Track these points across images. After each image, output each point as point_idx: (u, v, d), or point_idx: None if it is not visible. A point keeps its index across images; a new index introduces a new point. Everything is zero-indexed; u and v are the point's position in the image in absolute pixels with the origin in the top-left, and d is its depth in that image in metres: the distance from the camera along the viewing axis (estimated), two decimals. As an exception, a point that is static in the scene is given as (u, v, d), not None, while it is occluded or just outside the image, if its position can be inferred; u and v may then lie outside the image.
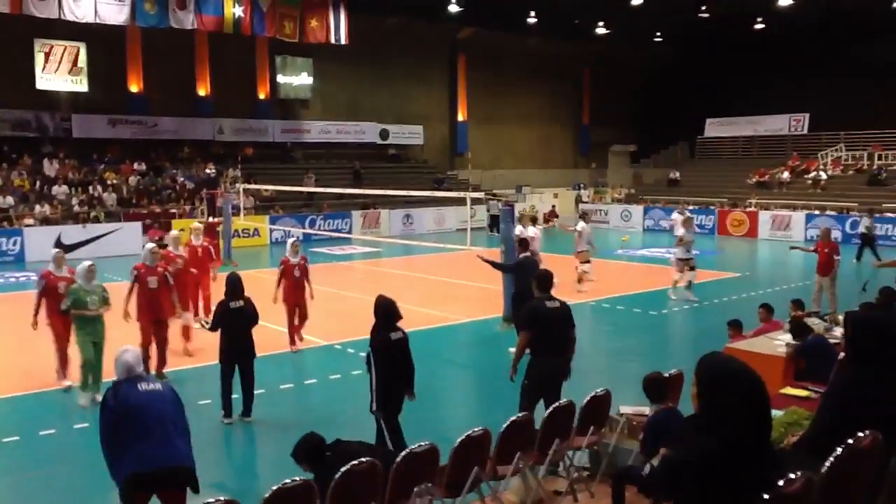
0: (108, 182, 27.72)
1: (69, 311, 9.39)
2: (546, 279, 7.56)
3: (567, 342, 7.42)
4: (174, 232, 10.56)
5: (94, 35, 27.83)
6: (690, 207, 32.61)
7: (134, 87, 30.38)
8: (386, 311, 6.87)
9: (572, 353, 7.47)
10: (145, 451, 4.75)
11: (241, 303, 8.75)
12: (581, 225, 17.82)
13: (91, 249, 24.13)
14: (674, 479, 3.16)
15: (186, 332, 11.61)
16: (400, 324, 6.98)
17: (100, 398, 6.41)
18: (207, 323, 9.29)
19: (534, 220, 18.86)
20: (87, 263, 9.74)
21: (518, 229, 15.64)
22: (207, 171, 29.82)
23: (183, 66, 31.33)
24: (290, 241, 12.52)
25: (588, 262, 17.61)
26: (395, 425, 6.90)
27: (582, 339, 13.69)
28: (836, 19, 33.72)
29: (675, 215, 17.16)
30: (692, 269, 16.19)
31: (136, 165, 29.26)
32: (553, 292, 7.53)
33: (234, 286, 8.78)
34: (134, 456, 4.74)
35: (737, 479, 3.00)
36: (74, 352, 9.64)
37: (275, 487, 4.41)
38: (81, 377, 9.37)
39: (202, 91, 32.12)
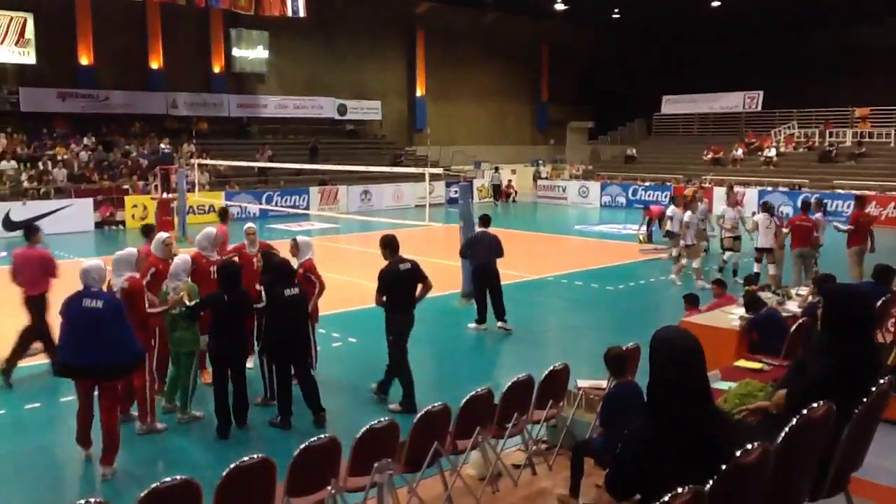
0: (59, 157, 27.03)
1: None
2: (394, 243, 8.67)
3: (414, 299, 8.67)
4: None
5: (42, 6, 27.04)
6: (646, 184, 32.98)
7: (84, 60, 29.56)
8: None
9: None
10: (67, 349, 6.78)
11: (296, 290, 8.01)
12: (687, 215, 15.30)
13: (41, 226, 23.59)
14: (627, 473, 3.20)
15: None
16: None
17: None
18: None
19: (767, 209, 15.30)
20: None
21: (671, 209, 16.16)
22: (161, 146, 29.24)
23: (135, 39, 30.56)
24: (246, 228, 10.21)
25: (699, 256, 15.49)
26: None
27: (540, 315, 13.92)
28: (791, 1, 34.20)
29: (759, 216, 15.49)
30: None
31: (86, 140, 28.56)
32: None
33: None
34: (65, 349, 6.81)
35: (684, 455, 3.03)
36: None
37: (232, 465, 4.37)
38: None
39: (155, 64, 31.39)
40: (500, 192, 34.97)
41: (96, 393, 6.87)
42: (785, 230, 14.64)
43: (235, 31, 33.30)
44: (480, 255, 11.97)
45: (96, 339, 6.56)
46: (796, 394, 4.06)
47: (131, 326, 6.91)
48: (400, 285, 8.52)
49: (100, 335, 6.57)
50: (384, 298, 8.48)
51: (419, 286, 8.66)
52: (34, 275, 9.39)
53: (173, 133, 30.95)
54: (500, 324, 11.88)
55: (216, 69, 33.40)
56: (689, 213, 15.39)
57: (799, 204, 15.94)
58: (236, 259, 9.45)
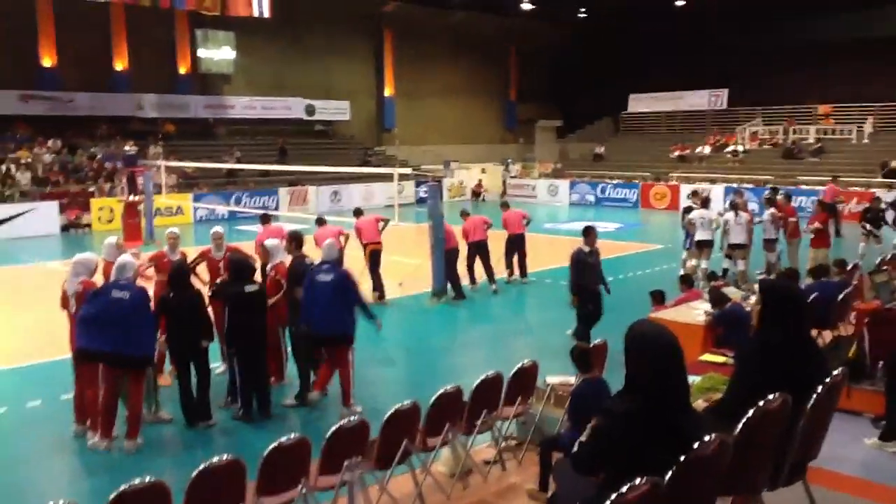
0: (22, 161, 26.61)
1: None
2: (300, 238, 9.10)
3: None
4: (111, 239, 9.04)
5: (1, 6, 26.55)
6: (614, 182, 33.27)
7: (46, 62, 29.13)
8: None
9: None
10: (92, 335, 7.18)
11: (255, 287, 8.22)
12: (729, 216, 14.73)
13: (4, 230, 23.28)
14: (598, 445, 3.27)
15: None
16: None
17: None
18: None
19: (705, 202, 15.59)
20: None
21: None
22: (127, 148, 28.91)
23: (99, 40, 30.13)
24: (212, 232, 10.11)
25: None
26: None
27: (509, 313, 14.00)
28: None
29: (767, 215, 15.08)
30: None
31: (50, 143, 28.14)
32: None
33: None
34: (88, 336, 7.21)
35: (654, 440, 3.12)
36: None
37: (202, 466, 4.39)
38: None
39: (120, 66, 31.01)
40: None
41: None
42: (811, 226, 15.05)
43: (201, 32, 33.00)
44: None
45: (122, 327, 7.11)
46: (731, 381, 4.24)
47: (153, 321, 7.56)
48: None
49: (125, 323, 7.14)
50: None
51: None
52: None
53: (140, 135, 30.61)
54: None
55: (182, 70, 33.09)
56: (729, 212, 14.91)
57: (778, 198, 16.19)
58: (197, 261, 9.72)
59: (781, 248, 15.34)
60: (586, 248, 10.37)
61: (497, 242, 15.32)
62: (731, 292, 9.32)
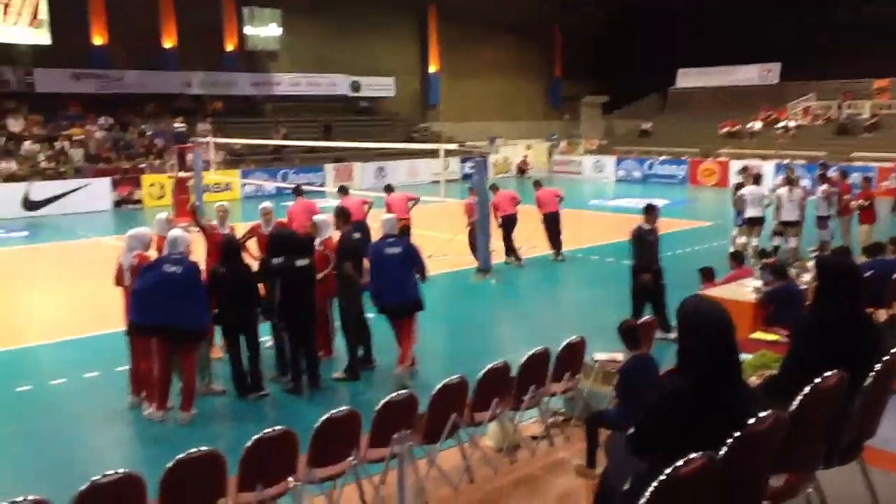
0: (75, 138, 27.17)
1: None
2: (348, 214, 9.24)
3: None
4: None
5: (55, -15, 27.01)
6: (662, 158, 32.81)
7: (97, 40, 29.58)
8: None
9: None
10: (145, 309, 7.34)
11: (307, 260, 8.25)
12: (782, 192, 14.51)
13: (58, 206, 23.84)
14: (651, 423, 3.26)
15: None
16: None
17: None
18: None
19: (756, 179, 15.69)
20: None
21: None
22: (176, 125, 29.31)
23: (148, 18, 30.45)
24: (261, 207, 10.19)
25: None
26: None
27: (557, 289, 13.96)
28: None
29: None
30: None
31: (102, 120, 28.67)
32: None
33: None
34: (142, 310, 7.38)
35: (706, 416, 3.10)
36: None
37: (254, 437, 4.48)
38: None
39: (168, 44, 31.36)
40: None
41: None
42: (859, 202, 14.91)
43: (248, 10, 33.21)
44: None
45: (175, 301, 7.23)
46: (785, 358, 4.20)
47: (204, 295, 7.61)
48: (358, 255, 8.76)
49: (178, 297, 7.26)
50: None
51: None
52: None
53: (187, 112, 31.01)
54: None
55: (229, 48, 33.35)
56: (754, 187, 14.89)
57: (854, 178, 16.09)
58: (247, 237, 9.93)
59: (834, 225, 15.03)
60: (647, 226, 10.21)
61: (528, 221, 15.28)
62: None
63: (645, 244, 10.09)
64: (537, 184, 16.41)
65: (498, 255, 14.59)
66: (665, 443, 3.12)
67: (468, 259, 14.30)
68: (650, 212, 10.31)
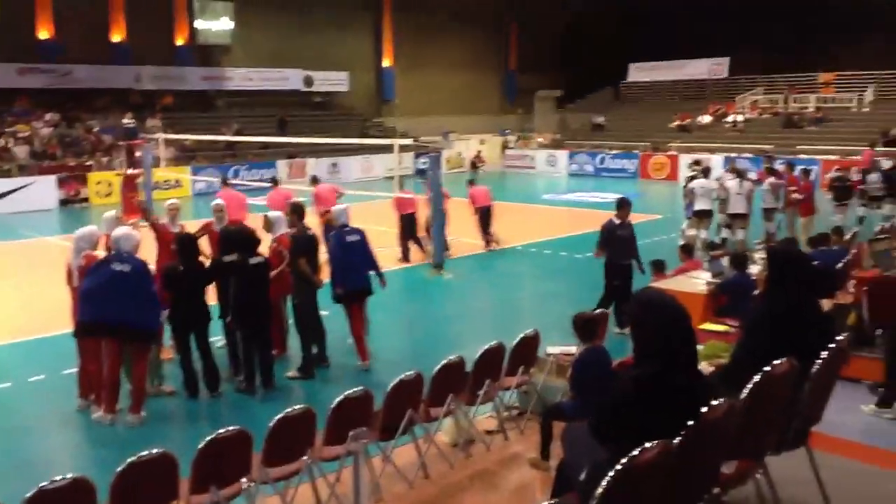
0: (20, 134, 26.46)
1: None
2: (302, 210, 9.20)
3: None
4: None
5: (-3, -22, 26.22)
6: (613, 152, 33.15)
7: (44, 34, 28.82)
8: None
9: None
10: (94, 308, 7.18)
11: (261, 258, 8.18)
12: (732, 184, 14.82)
13: (2, 205, 23.24)
14: (611, 411, 3.30)
15: None
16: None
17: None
18: None
19: (705, 172, 15.84)
20: None
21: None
22: (125, 121, 28.75)
23: (97, 11, 29.79)
24: (214, 204, 10.09)
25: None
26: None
27: (510, 284, 14.03)
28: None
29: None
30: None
31: (48, 116, 27.96)
32: None
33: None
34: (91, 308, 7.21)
35: (665, 403, 3.15)
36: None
37: (208, 437, 4.42)
38: None
39: (118, 37, 30.69)
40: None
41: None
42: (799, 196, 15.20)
43: (199, 2, 32.63)
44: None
45: (125, 300, 7.12)
46: (737, 347, 4.29)
47: (155, 293, 7.50)
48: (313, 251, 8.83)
49: (128, 296, 7.15)
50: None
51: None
52: None
53: (138, 107, 30.41)
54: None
55: (180, 41, 32.77)
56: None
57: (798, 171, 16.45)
58: (199, 234, 9.62)
59: (780, 217, 15.36)
60: (617, 221, 10.05)
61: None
62: (727, 262, 9.30)
63: (614, 239, 9.97)
64: (471, 182, 16.76)
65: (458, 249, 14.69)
66: (628, 431, 3.16)
67: (422, 254, 14.33)
68: (622, 206, 10.16)
